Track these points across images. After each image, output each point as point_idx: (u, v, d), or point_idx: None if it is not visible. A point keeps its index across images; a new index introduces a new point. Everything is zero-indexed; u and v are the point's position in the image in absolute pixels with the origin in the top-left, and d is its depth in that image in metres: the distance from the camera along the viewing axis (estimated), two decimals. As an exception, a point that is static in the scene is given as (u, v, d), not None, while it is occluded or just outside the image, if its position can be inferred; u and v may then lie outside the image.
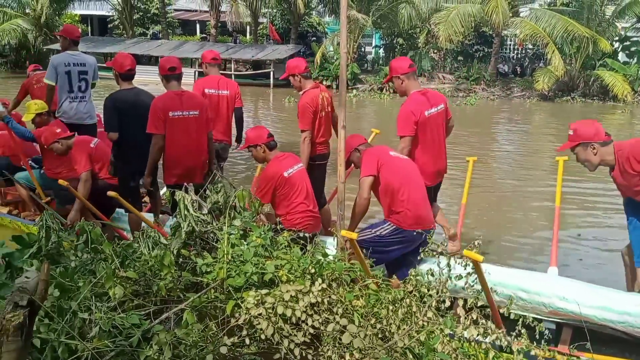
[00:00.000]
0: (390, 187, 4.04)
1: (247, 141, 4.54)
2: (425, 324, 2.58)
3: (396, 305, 2.67)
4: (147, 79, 18.78)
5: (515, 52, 28.69)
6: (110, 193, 4.69)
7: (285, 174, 4.31)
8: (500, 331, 2.67)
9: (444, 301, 2.84)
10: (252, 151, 4.53)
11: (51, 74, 6.32)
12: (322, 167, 5.39)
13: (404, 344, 2.35)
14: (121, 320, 2.32)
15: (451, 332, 2.59)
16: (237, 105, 6.25)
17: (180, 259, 2.85)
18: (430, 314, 2.68)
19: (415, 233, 3.93)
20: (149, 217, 5.67)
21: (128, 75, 5.22)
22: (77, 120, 6.26)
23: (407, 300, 2.73)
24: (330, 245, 4.09)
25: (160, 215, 5.67)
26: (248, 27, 33.39)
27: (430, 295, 2.87)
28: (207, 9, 30.23)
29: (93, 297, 2.45)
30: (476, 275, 2.96)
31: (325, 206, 5.36)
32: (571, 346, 3.13)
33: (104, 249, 2.84)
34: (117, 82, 5.24)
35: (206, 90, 5.95)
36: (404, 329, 2.51)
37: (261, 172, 5.08)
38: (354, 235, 2.71)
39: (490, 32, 25.17)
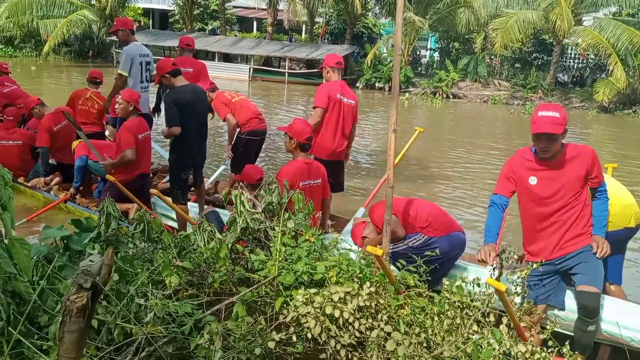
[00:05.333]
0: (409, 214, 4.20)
1: (289, 129, 4.68)
2: (471, 336, 2.57)
3: (441, 316, 2.66)
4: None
5: (576, 61, 27.87)
6: (153, 191, 4.88)
7: (302, 184, 4.41)
8: (547, 351, 2.63)
9: (488, 314, 2.82)
10: (286, 139, 4.69)
11: (126, 65, 6.59)
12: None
13: (451, 354, 2.34)
14: (175, 308, 2.41)
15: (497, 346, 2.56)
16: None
17: (233, 254, 2.93)
18: (475, 327, 2.67)
19: (449, 236, 4.09)
20: (194, 207, 5.86)
21: (176, 71, 5.41)
22: (143, 110, 6.50)
23: (451, 312, 2.71)
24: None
25: (205, 206, 5.86)
26: (304, 26, 33.63)
27: (476, 307, 2.85)
28: (265, 7, 30.60)
29: (150, 283, 2.55)
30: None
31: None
32: None
33: (163, 238, 2.95)
34: (171, 84, 5.41)
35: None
36: (449, 340, 2.50)
37: None
38: (379, 252, 2.71)
39: (551, 40, 24.53)
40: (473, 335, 2.60)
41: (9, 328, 2.26)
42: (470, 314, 2.80)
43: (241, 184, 4.66)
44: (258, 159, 7.24)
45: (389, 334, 2.46)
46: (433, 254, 3.61)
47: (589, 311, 3.28)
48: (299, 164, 4.56)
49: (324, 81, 5.77)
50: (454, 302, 2.83)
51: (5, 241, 2.34)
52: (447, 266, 4.30)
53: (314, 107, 5.50)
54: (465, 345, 2.42)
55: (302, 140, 4.61)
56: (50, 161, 7.12)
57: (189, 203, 5.80)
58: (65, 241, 3.21)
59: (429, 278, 3.22)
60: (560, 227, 3.48)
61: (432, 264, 3.43)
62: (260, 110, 7.00)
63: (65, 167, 7.22)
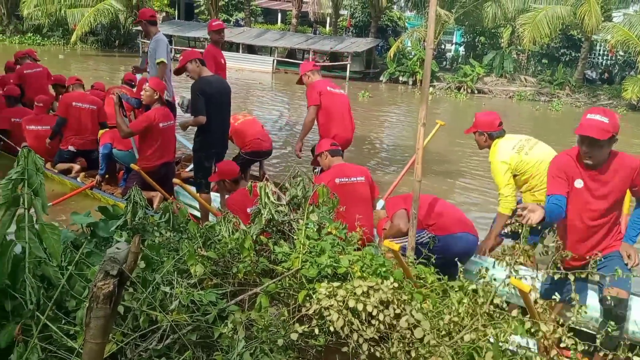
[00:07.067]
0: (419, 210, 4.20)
1: (316, 152, 5.04)
2: (488, 315, 2.55)
3: (459, 304, 2.65)
4: (229, 65, 19.23)
5: (605, 58, 27.34)
6: (175, 180, 4.96)
7: (337, 181, 4.50)
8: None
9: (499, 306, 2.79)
10: (320, 160, 4.95)
11: (164, 52, 6.77)
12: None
13: (471, 339, 2.33)
14: (199, 297, 2.44)
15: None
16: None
17: (257, 246, 2.95)
18: (488, 307, 2.64)
19: (450, 236, 4.11)
20: (216, 197, 5.93)
21: (202, 61, 5.49)
22: (168, 96, 6.60)
23: (466, 300, 2.70)
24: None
25: (226, 196, 5.92)
26: (328, 19, 33.53)
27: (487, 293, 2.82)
28: (290, -1, 30.60)
29: (175, 272, 2.59)
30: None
31: None
32: None
33: (189, 228, 2.99)
34: (198, 72, 5.45)
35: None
36: (466, 324, 2.49)
37: None
38: (396, 247, 2.69)
39: (579, 36, 24.08)
40: (491, 315, 2.58)
41: (37, 313, 2.31)
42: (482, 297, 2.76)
43: (225, 182, 4.83)
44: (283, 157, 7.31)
45: (415, 324, 2.44)
46: (433, 241, 3.59)
47: (616, 316, 3.23)
48: (334, 166, 4.75)
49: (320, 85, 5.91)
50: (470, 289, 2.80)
51: (36, 226, 2.39)
52: (456, 266, 4.28)
53: (308, 107, 5.81)
54: (485, 327, 2.40)
55: (329, 147, 4.84)
56: (70, 148, 7.24)
57: (211, 193, 5.86)
58: (91, 228, 3.26)
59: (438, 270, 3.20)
60: (596, 233, 3.43)
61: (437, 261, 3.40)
62: (265, 130, 7.02)
63: (85, 154, 7.35)
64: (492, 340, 2.39)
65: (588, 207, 3.37)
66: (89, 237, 3.18)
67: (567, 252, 3.07)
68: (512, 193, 4.39)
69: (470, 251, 4.35)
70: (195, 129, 5.54)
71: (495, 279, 2.82)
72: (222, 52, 7.28)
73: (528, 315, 2.59)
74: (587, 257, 3.39)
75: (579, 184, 3.34)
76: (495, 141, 4.57)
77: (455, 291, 2.79)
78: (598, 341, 2.53)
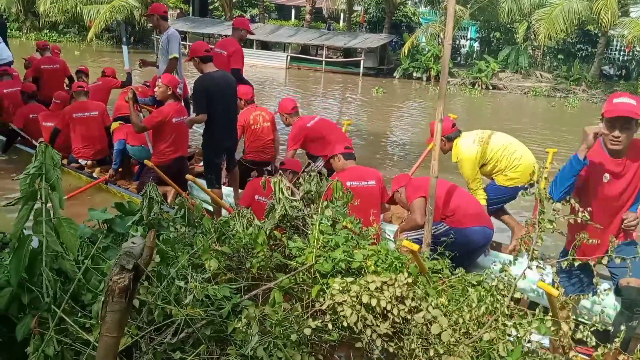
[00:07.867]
0: (439, 198, 4.22)
1: (329, 155, 5.21)
2: (508, 313, 2.52)
3: (480, 302, 2.63)
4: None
5: (622, 53, 26.99)
6: (188, 177, 4.99)
7: (348, 184, 4.47)
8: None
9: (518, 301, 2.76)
10: (333, 163, 5.08)
11: (177, 47, 6.91)
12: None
13: (490, 338, 2.31)
14: (214, 292, 2.45)
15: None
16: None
17: (271, 241, 2.96)
18: (509, 304, 2.61)
19: (469, 230, 4.15)
20: (229, 191, 5.95)
21: (208, 57, 5.46)
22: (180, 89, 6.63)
23: (490, 298, 2.67)
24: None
25: (240, 190, 5.95)
26: (342, 14, 33.48)
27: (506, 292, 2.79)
28: (304, -5, 30.59)
29: (190, 267, 2.60)
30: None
31: None
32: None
33: (204, 223, 3.01)
34: (200, 69, 5.46)
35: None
36: (486, 322, 2.47)
37: None
38: (415, 247, 2.67)
39: (596, 32, 23.79)
40: (512, 312, 2.56)
41: (54, 306, 2.33)
42: (504, 301, 2.73)
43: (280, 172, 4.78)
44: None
45: (432, 319, 2.42)
46: (449, 239, 3.57)
47: (634, 306, 3.21)
48: (348, 169, 4.88)
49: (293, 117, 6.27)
50: (489, 288, 2.77)
51: (53, 220, 2.42)
52: (471, 258, 4.30)
53: (288, 150, 6.17)
54: (505, 326, 2.38)
55: (342, 150, 4.98)
56: (81, 161, 7.28)
57: (223, 187, 5.89)
58: (108, 224, 3.29)
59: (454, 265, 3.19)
60: (616, 222, 3.42)
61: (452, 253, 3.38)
62: (271, 140, 6.90)
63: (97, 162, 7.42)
64: (511, 339, 2.37)
65: (613, 194, 3.38)
66: (105, 232, 3.21)
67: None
68: (480, 186, 4.90)
69: (486, 245, 4.38)
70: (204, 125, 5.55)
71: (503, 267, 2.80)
72: None
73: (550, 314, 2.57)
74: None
75: (605, 178, 3.35)
76: (454, 142, 4.91)
77: (473, 285, 2.77)
78: (619, 338, 2.51)
